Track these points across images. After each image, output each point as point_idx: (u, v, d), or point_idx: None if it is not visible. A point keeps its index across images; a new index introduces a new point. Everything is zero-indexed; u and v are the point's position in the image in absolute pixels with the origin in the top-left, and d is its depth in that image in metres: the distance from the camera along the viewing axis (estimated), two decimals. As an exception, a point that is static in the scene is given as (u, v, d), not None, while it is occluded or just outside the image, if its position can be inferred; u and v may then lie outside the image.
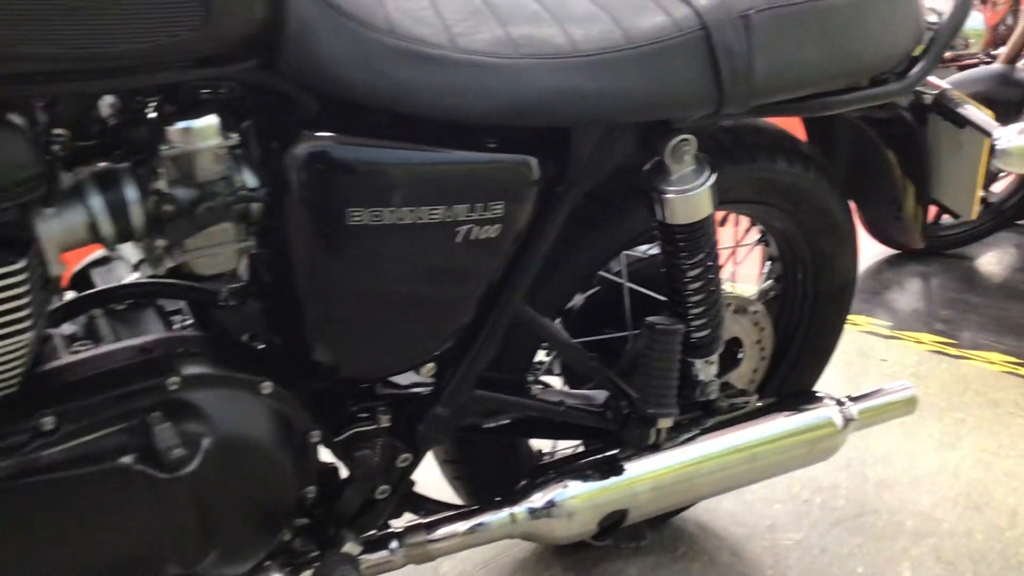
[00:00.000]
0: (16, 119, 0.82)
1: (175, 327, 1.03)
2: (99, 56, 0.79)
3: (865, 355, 2.44)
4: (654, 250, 1.50)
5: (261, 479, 1.01)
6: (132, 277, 1.13)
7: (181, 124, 0.91)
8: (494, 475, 1.43)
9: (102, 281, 1.13)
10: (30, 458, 0.88)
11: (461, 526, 1.24)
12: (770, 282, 1.62)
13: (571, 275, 1.28)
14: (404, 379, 1.17)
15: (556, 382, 1.49)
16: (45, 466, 0.89)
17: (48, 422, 0.90)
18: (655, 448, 1.28)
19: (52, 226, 0.88)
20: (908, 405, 1.58)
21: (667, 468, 1.30)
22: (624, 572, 1.64)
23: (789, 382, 1.66)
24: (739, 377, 1.55)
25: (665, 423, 1.24)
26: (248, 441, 0.99)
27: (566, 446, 1.61)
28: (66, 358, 0.96)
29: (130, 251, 1.17)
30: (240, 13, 0.86)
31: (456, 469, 1.44)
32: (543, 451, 1.57)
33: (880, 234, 2.58)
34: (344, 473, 1.17)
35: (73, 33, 0.76)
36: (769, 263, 1.61)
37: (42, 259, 0.88)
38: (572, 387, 1.49)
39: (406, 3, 1.01)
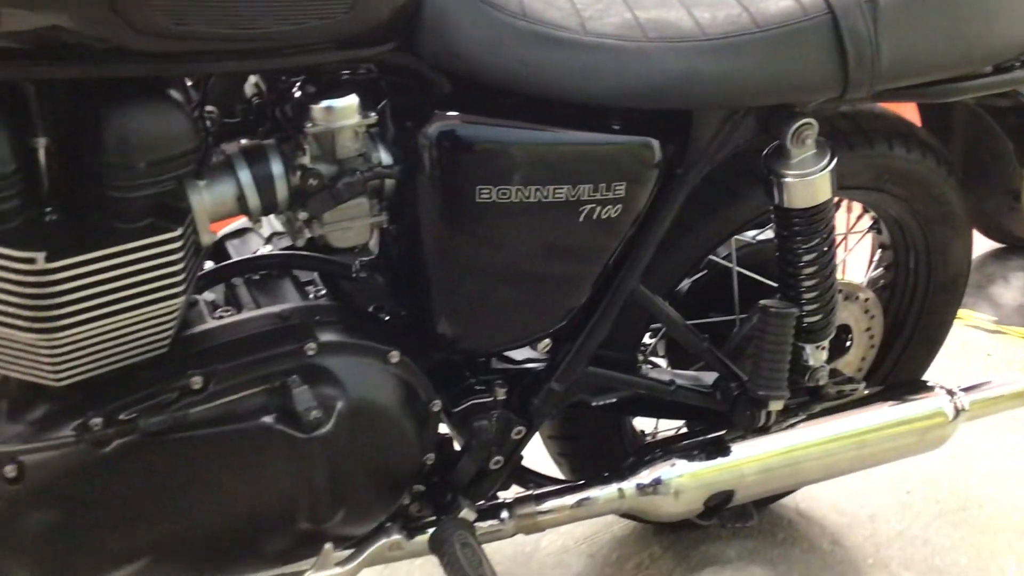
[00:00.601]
0: (177, 95, 0.88)
1: (310, 296, 1.08)
2: (257, 37, 0.84)
3: (969, 349, 2.39)
4: (762, 235, 1.50)
5: (387, 444, 1.06)
6: (265, 249, 1.18)
7: (324, 103, 0.95)
8: (598, 452, 1.45)
9: (236, 253, 1.18)
10: (179, 414, 0.94)
11: (569, 499, 1.27)
12: (880, 270, 1.61)
13: (683, 257, 1.30)
14: (518, 354, 1.20)
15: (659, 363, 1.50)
16: (193, 422, 0.95)
17: (197, 381, 0.95)
18: (764, 431, 1.28)
19: (204, 197, 0.94)
20: (1019, 398, 1.55)
21: (775, 451, 1.31)
22: (723, 554, 1.66)
23: (896, 372, 1.64)
24: (847, 364, 1.54)
25: (776, 406, 1.25)
26: (377, 407, 1.04)
27: (666, 426, 1.63)
28: (211, 323, 1.01)
29: (263, 224, 1.22)
30: (387, 2, 0.90)
31: (561, 445, 1.47)
32: (644, 431, 1.59)
33: (990, 225, 2.52)
34: (456, 443, 1.21)
35: (236, 15, 0.81)
36: (880, 251, 1.60)
37: (194, 228, 0.93)
38: (676, 368, 1.51)
39: (535, -16, 1.03)
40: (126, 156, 0.84)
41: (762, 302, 1.24)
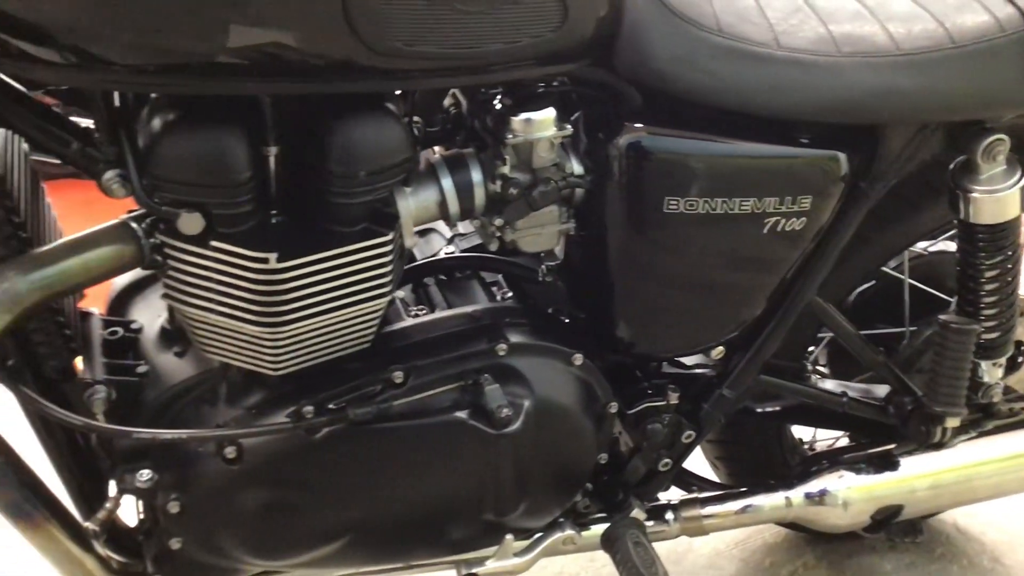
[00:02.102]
0: (394, 108, 0.93)
1: (497, 298, 1.12)
2: (476, 56, 0.89)
3: None
4: (933, 247, 1.48)
5: (568, 442, 1.10)
6: (447, 249, 1.23)
7: (524, 116, 0.99)
8: (757, 458, 1.47)
9: (420, 253, 1.24)
10: (383, 407, 1.00)
11: (735, 504, 1.28)
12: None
13: (858, 269, 1.29)
14: (690, 359, 1.23)
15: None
16: (394, 414, 1.01)
17: (398, 376, 1.01)
18: (937, 447, 1.27)
19: (410, 203, 0.99)
20: None
21: (947, 468, 1.30)
22: (879, 567, 1.64)
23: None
24: (1018, 381, 1.50)
25: (952, 423, 1.24)
26: (561, 407, 1.08)
27: (824, 435, 1.62)
28: (409, 320, 1.07)
29: (443, 226, 1.28)
30: (590, 15, 0.93)
31: (720, 448, 1.48)
32: (802, 439, 1.59)
33: None
34: (623, 444, 1.24)
35: (461, 37, 0.86)
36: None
37: (400, 232, 0.99)
38: (838, 378, 1.50)
39: (732, 1, 1.05)
40: (349, 165, 0.90)
41: (942, 317, 1.23)
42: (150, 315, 1.12)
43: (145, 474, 1.00)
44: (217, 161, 0.87)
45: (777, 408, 1.39)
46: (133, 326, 1.11)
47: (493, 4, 0.87)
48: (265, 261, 0.89)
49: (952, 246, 1.46)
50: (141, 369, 1.06)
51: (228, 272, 0.90)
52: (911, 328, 1.43)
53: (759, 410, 1.36)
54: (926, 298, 1.43)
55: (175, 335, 1.08)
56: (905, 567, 1.64)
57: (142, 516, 1.08)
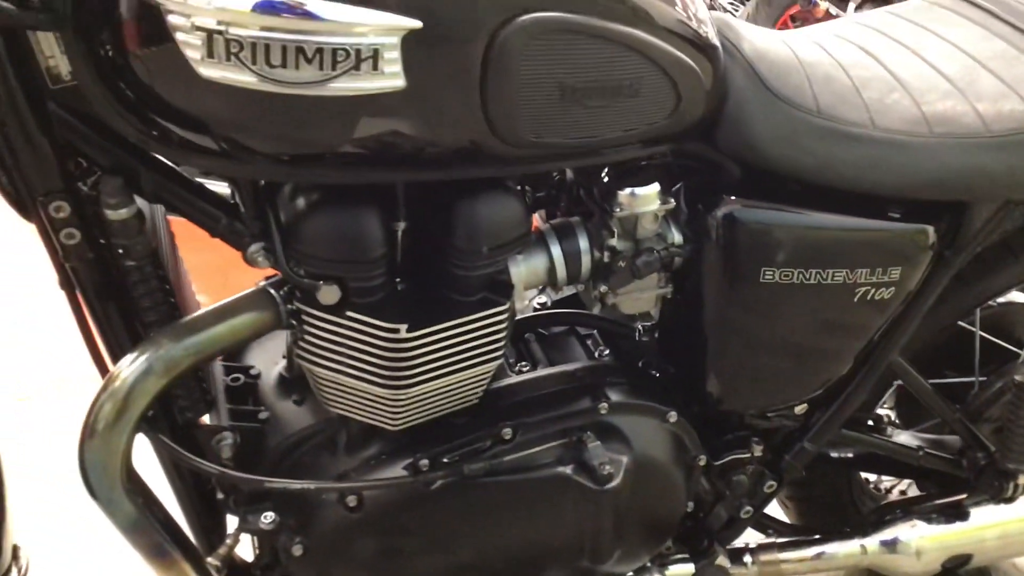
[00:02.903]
0: (514, 186, 1.00)
1: (595, 354, 1.18)
2: (596, 144, 0.95)
3: None
4: (1002, 298, 1.52)
5: (662, 494, 1.17)
6: (538, 302, 1.29)
7: (631, 191, 1.05)
8: (828, 501, 1.52)
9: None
10: (493, 462, 1.06)
11: (811, 551, 1.34)
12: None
13: (933, 325, 1.34)
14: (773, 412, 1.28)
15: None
16: (503, 469, 1.07)
17: (507, 432, 1.08)
18: (1008, 500, 1.32)
19: (521, 270, 1.06)
20: None
21: (1015, 518, 1.35)
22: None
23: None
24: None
25: (1024, 479, 1.29)
26: (657, 462, 1.14)
27: (890, 480, 1.68)
28: (513, 377, 1.14)
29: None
30: (699, 100, 0.99)
31: (792, 490, 1.54)
32: (870, 481, 1.64)
33: None
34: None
35: (582, 129, 0.92)
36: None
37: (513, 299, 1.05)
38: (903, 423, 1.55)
39: (826, 79, 1.11)
40: (473, 242, 0.97)
41: (1017, 377, 1.27)
42: (265, 360, 1.20)
43: (269, 516, 1.07)
44: (356, 240, 0.93)
45: (850, 455, 1.45)
46: (252, 372, 1.18)
47: (617, 98, 0.93)
48: (396, 331, 0.96)
49: (1020, 297, 1.52)
50: (263, 415, 1.13)
51: (360, 339, 0.97)
52: (980, 379, 1.48)
53: (833, 455, 1.41)
54: (994, 348, 1.48)
55: (293, 383, 1.16)
56: (965, 606, 1.69)
57: (258, 552, 1.15)
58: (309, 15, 0.74)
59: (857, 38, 1.22)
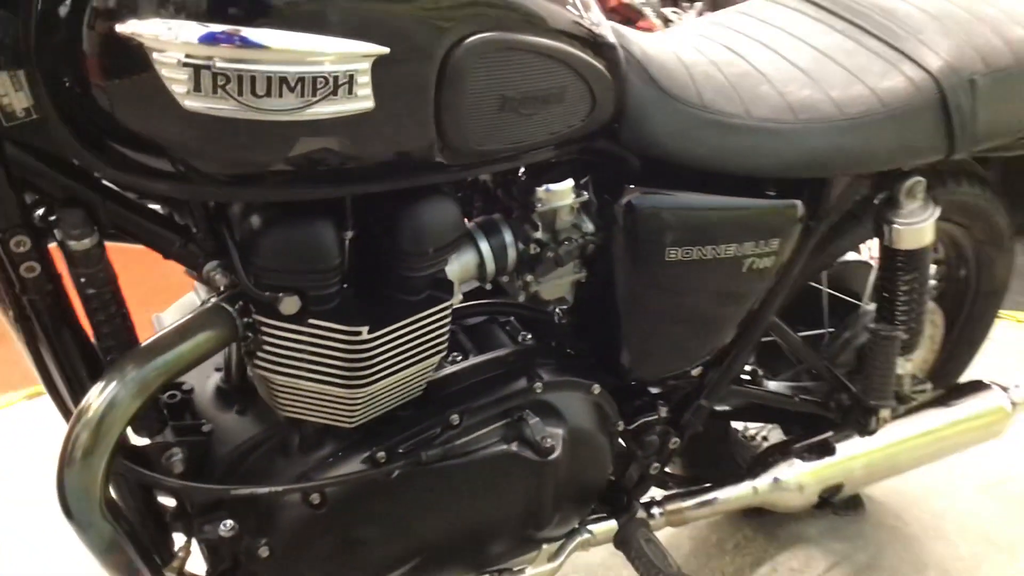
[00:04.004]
0: (449, 191, 1.08)
1: (518, 339, 1.28)
2: (526, 147, 1.05)
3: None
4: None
5: (592, 460, 1.28)
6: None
7: (547, 187, 1.16)
8: (709, 452, 1.69)
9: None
10: (446, 447, 1.14)
11: (710, 496, 1.50)
12: (934, 281, 1.85)
13: (794, 287, 1.52)
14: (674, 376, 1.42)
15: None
16: (455, 452, 1.16)
17: (455, 419, 1.16)
18: (871, 433, 1.52)
19: (455, 267, 1.14)
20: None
21: (876, 448, 1.55)
22: (805, 532, 1.91)
23: (946, 368, 1.90)
24: (913, 366, 1.78)
25: (885, 413, 1.49)
26: (587, 431, 1.25)
27: (754, 429, 1.88)
28: (450, 368, 1.21)
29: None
30: (608, 103, 1.11)
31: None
32: (743, 432, 1.83)
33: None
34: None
35: (517, 137, 1.02)
36: (934, 266, 1.84)
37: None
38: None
39: (706, 77, 1.24)
40: (420, 244, 1.04)
41: (871, 326, 1.47)
42: (196, 375, 1.22)
43: (228, 524, 1.11)
44: (314, 251, 0.98)
45: (727, 408, 1.62)
46: (185, 387, 1.21)
47: (546, 105, 1.02)
48: (358, 334, 1.02)
49: (852, 256, 1.73)
50: (206, 428, 1.16)
51: (321, 344, 1.02)
52: (829, 330, 1.68)
53: (716, 409, 1.57)
54: (837, 302, 1.70)
55: (232, 394, 1.19)
56: (828, 530, 1.92)
57: (211, 561, 1.18)
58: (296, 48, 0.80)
59: (720, 38, 1.37)
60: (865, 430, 1.51)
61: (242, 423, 1.17)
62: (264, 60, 0.80)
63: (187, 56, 0.78)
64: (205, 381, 1.22)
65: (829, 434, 1.57)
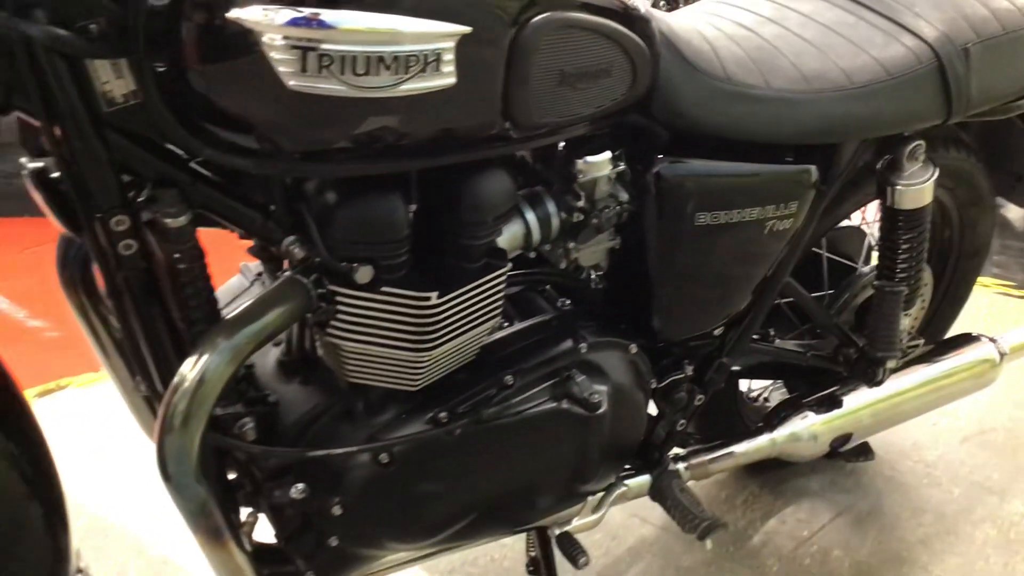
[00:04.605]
0: (504, 164, 1.15)
1: (558, 305, 1.35)
2: (576, 120, 1.12)
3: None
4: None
5: (631, 416, 1.36)
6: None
7: (588, 159, 1.23)
8: (719, 410, 1.78)
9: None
10: (502, 405, 1.22)
11: (732, 449, 1.59)
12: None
13: (805, 249, 1.62)
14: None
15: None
16: (509, 411, 1.23)
17: (509, 379, 1.23)
18: (878, 384, 1.62)
19: (504, 237, 1.21)
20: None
21: (880, 398, 1.66)
22: (808, 487, 2.01)
23: (933, 325, 2.02)
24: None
25: (891, 364, 1.59)
26: (628, 388, 1.33)
27: (759, 385, 1.98)
28: (501, 332, 1.28)
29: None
30: (646, 77, 1.18)
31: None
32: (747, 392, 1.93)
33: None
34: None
35: (573, 111, 1.09)
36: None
37: None
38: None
39: (728, 51, 1.33)
40: (480, 214, 1.11)
41: (877, 283, 1.57)
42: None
43: (299, 487, 1.17)
44: (387, 223, 1.05)
45: (737, 367, 1.71)
46: (246, 363, 1.26)
47: (596, 80, 1.10)
48: (427, 299, 1.08)
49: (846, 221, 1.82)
50: (272, 398, 1.22)
51: (392, 310, 1.09)
52: (829, 291, 1.78)
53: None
54: (834, 264, 1.80)
55: (293, 366, 1.25)
56: (828, 484, 2.02)
57: (280, 524, 1.24)
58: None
59: (730, 15, 1.46)
60: (873, 381, 1.61)
61: (306, 392, 1.23)
62: (365, 41, 0.86)
63: (296, 39, 0.84)
64: (263, 357, 1.28)
65: (836, 387, 1.67)
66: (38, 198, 1.01)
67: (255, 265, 1.36)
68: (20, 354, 1.09)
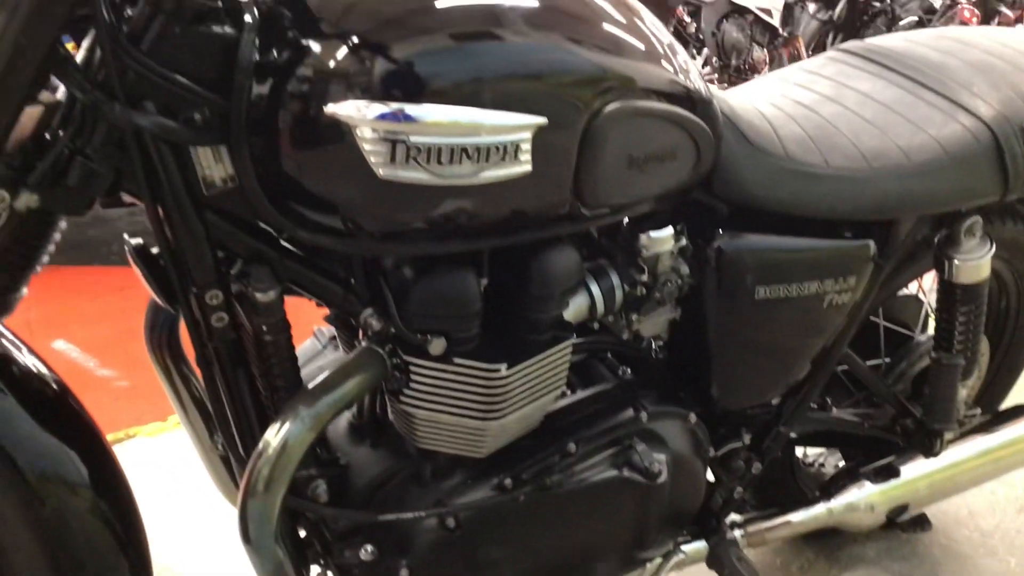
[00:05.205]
0: (572, 241, 1.19)
1: (618, 374, 1.39)
2: (642, 200, 1.17)
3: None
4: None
5: (690, 484, 1.39)
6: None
7: (652, 234, 1.28)
8: (776, 478, 1.79)
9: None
10: (564, 473, 1.25)
11: (788, 518, 1.60)
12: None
13: (862, 320, 1.64)
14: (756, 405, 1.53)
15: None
16: (572, 478, 1.26)
17: (572, 447, 1.27)
18: (935, 455, 1.63)
19: (570, 309, 1.25)
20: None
21: (937, 469, 1.66)
22: (864, 554, 2.01)
23: (990, 394, 2.01)
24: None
25: (949, 435, 1.60)
26: (687, 457, 1.36)
27: (813, 456, 1.98)
28: (564, 400, 1.32)
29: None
30: (709, 157, 1.23)
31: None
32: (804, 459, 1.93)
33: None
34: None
35: (637, 189, 1.14)
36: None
37: None
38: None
39: (788, 130, 1.37)
40: (549, 288, 1.16)
41: (933, 355, 1.59)
42: None
43: (369, 548, 1.21)
44: (460, 298, 1.10)
45: (794, 435, 1.72)
46: None
47: (662, 163, 1.15)
48: (497, 371, 1.13)
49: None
50: (343, 461, 1.27)
51: (463, 381, 1.14)
52: (886, 360, 1.80)
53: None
54: (890, 333, 1.81)
55: (363, 430, 1.30)
56: (884, 551, 2.02)
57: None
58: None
59: (790, 93, 1.50)
60: (930, 452, 1.61)
61: (376, 455, 1.27)
62: (448, 132, 0.92)
63: (386, 132, 0.90)
64: (335, 420, 1.33)
65: (892, 457, 1.68)
66: (138, 272, 1.08)
67: (328, 329, 1.42)
68: (91, 403, 1.15)
